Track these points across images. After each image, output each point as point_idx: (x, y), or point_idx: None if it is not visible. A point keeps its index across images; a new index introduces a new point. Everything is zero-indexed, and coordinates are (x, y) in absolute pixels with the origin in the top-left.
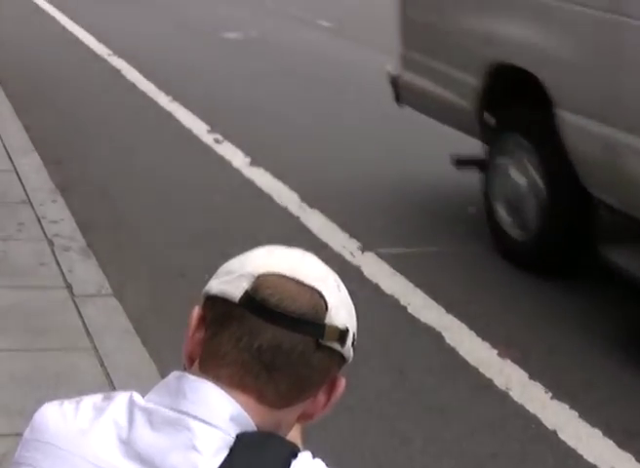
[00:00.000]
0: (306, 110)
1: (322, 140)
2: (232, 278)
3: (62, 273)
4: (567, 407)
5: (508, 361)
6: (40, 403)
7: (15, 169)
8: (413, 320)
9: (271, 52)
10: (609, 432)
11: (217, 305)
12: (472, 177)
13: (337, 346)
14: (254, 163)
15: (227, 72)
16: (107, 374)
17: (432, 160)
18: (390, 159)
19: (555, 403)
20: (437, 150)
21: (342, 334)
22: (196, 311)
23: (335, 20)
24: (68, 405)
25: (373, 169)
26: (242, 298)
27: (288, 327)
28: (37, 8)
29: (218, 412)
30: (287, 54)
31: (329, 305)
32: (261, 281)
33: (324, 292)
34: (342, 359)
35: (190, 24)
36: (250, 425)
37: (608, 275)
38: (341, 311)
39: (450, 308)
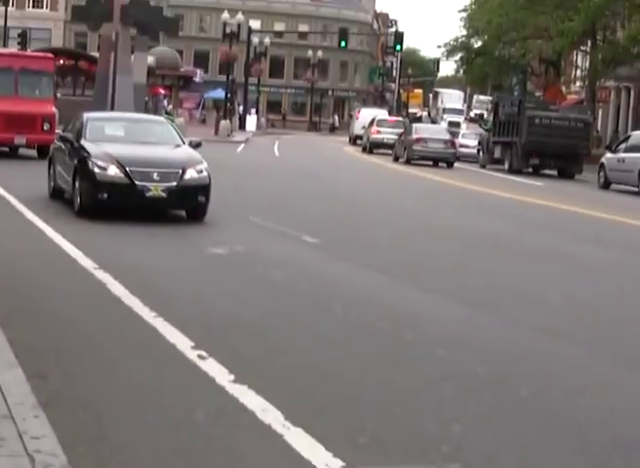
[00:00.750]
0: (290, 326)
1: (306, 355)
2: None
3: None
4: None
5: None
6: None
7: None
8: None
9: (256, 266)
10: None
11: None
12: (453, 393)
13: None
14: (238, 380)
15: (213, 288)
16: None
17: (415, 372)
18: (375, 373)
19: None
20: (417, 365)
21: None
22: None
23: (319, 237)
24: None
25: (356, 384)
26: None
27: None
28: (24, 220)
29: None
30: (271, 267)
31: None
32: None
33: None
34: None
35: (176, 239)
36: None
37: None
38: None
39: None
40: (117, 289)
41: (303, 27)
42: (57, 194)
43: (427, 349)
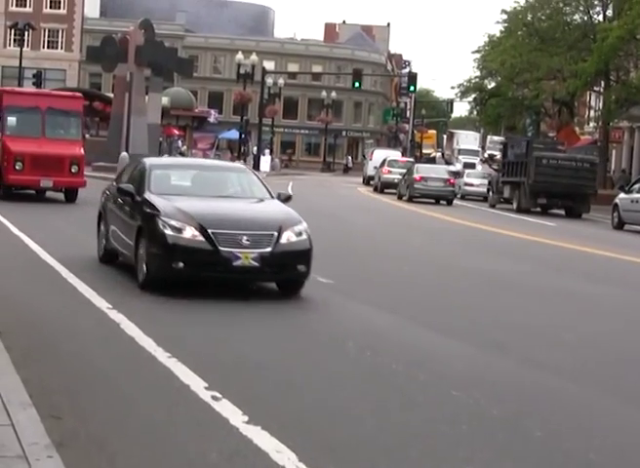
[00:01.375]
0: (305, 367)
1: (320, 396)
2: None
3: None
4: None
5: None
6: None
7: (11, 423)
8: None
9: (270, 307)
10: None
11: None
12: (467, 433)
13: None
14: (251, 421)
15: (226, 328)
16: None
17: (428, 413)
18: (389, 414)
19: None
20: (430, 405)
21: None
22: None
23: (333, 277)
24: None
25: (370, 425)
26: None
27: None
28: (38, 260)
29: None
30: (286, 308)
31: None
32: None
33: None
34: None
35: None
36: None
37: None
38: None
39: None
40: (132, 330)
41: (317, 68)
42: (109, 257)
43: (441, 389)
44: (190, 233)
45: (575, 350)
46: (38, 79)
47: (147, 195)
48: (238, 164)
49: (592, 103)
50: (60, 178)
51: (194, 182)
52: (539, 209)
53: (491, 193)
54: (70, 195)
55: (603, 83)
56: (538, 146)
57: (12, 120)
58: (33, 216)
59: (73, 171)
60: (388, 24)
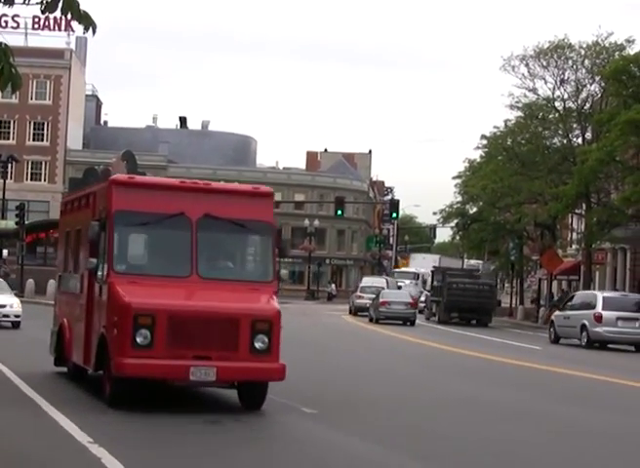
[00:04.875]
0: None
1: None
2: None
3: None
4: None
5: None
6: None
7: None
8: None
9: (257, 440)
10: None
11: None
12: None
13: None
14: None
15: (212, 464)
16: None
17: None
18: None
19: None
20: None
21: None
22: None
23: (317, 407)
24: None
25: None
26: None
27: None
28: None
29: None
30: (269, 441)
31: None
32: None
33: None
34: None
35: (174, 409)
36: None
37: None
38: None
39: None
40: (113, 463)
41: (300, 197)
42: None
43: None
44: None
45: None
46: (21, 211)
47: None
48: None
49: (574, 226)
50: (232, 363)
51: None
52: (455, 321)
53: (426, 309)
54: (253, 397)
55: (584, 205)
56: (451, 273)
57: (129, 242)
58: None
59: (258, 346)
60: (370, 152)
